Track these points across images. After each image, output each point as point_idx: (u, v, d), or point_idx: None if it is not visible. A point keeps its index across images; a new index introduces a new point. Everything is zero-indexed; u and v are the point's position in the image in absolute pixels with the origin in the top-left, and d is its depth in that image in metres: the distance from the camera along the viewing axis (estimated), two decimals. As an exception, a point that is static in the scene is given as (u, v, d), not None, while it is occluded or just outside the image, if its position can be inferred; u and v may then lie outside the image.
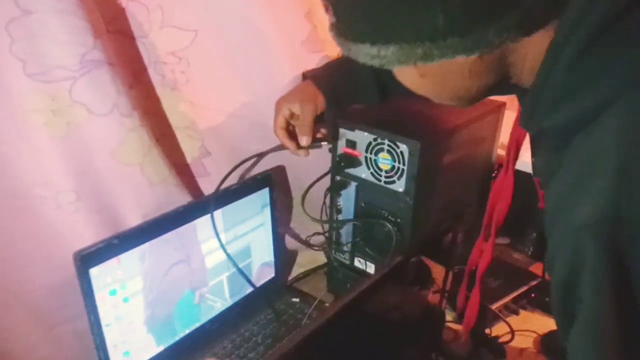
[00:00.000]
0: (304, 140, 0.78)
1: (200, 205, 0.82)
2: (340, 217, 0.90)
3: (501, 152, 1.00)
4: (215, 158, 0.93)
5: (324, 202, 0.91)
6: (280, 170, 0.98)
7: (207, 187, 0.94)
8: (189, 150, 0.91)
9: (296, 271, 1.07)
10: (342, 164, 0.84)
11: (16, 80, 0.64)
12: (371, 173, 0.81)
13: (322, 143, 0.82)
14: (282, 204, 1.00)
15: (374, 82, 0.78)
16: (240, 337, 0.89)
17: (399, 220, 0.81)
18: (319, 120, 0.80)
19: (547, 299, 0.94)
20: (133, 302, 0.74)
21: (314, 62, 0.87)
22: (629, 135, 0.38)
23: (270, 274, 1.00)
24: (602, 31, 0.38)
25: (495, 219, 0.74)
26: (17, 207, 0.70)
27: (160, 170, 0.81)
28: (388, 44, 0.41)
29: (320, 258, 1.05)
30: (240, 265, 0.89)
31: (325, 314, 0.59)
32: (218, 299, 0.89)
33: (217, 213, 0.83)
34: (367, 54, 0.43)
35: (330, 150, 0.85)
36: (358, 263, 0.91)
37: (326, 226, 0.94)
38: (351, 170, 0.84)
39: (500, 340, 0.87)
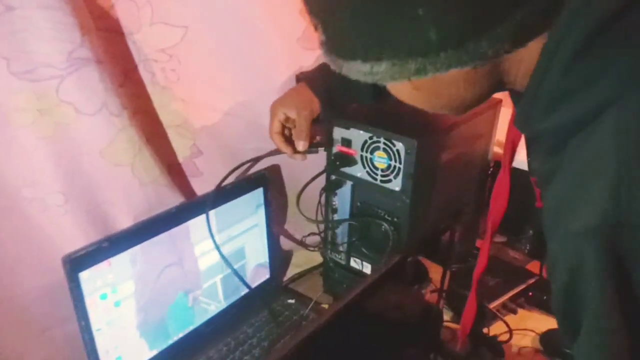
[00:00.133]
0: (301, 145, 0.78)
1: (193, 206, 0.81)
2: (336, 216, 0.89)
3: (497, 149, 1.00)
4: (208, 157, 0.91)
5: (320, 202, 0.90)
6: (274, 170, 0.97)
7: (200, 187, 0.93)
8: (181, 149, 0.90)
9: (291, 272, 1.06)
10: (338, 162, 0.83)
11: (0, 78, 0.62)
12: (367, 172, 0.81)
13: (319, 148, 0.81)
14: (276, 203, 0.99)
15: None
16: (235, 340, 0.87)
17: (395, 219, 0.81)
18: (314, 122, 0.79)
19: (545, 297, 0.94)
20: (125, 306, 0.73)
21: (309, 59, 0.86)
22: (629, 137, 0.37)
23: (265, 275, 0.99)
24: (600, 31, 0.37)
25: (491, 222, 0.74)
26: (3, 209, 0.68)
27: (151, 170, 0.80)
28: (380, 60, 0.41)
29: (316, 258, 1.04)
30: (235, 267, 0.88)
31: (323, 315, 0.59)
32: (212, 302, 0.88)
33: (211, 214, 0.82)
34: (359, 71, 0.43)
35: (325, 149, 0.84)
36: (354, 263, 0.91)
37: (322, 226, 0.93)
38: (347, 169, 0.83)
39: (499, 339, 0.87)
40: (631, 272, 0.37)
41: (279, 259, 1.03)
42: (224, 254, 0.84)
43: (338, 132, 0.82)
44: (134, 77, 0.79)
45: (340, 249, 0.91)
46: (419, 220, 0.81)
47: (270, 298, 0.96)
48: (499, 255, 1.06)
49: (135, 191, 0.79)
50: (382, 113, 0.83)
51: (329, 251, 0.93)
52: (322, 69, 0.81)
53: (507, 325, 0.89)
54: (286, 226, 1.06)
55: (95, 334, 0.70)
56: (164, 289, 0.79)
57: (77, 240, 0.71)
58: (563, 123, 0.41)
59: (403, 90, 0.47)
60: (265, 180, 0.92)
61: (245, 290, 0.93)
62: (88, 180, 0.74)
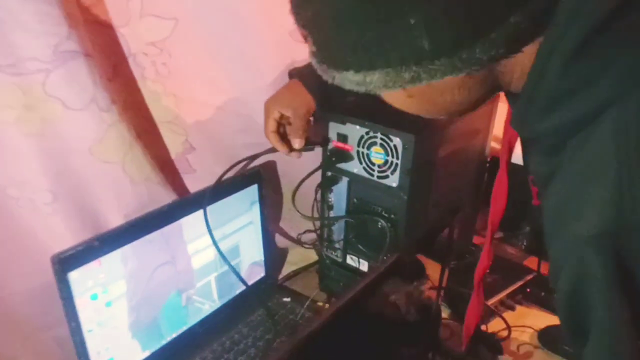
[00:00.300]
0: (297, 144, 0.77)
1: (186, 203, 0.80)
2: (332, 213, 0.88)
3: (495, 144, 0.99)
4: (200, 153, 0.90)
5: (315, 198, 0.89)
6: (269, 166, 0.96)
7: (193, 184, 0.92)
8: (173, 145, 0.88)
9: (287, 270, 1.05)
10: (334, 158, 0.82)
11: (-18, 73, 0.60)
12: (363, 168, 0.79)
13: (315, 146, 0.80)
14: (272, 200, 0.98)
15: None
16: (230, 339, 0.86)
17: (392, 216, 0.80)
18: (310, 119, 0.78)
19: (543, 293, 0.94)
20: (116, 307, 0.71)
21: (302, 52, 0.83)
22: (629, 137, 0.37)
23: (260, 273, 0.98)
24: (599, 31, 0.37)
25: (491, 222, 0.73)
26: (-11, 208, 0.66)
27: (142, 167, 0.78)
28: (373, 70, 0.40)
29: (312, 256, 1.03)
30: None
31: (322, 315, 0.58)
32: (206, 301, 0.87)
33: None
34: (352, 81, 0.42)
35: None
36: (351, 260, 0.89)
37: (317, 223, 0.92)
38: (343, 165, 0.82)
39: (497, 336, 0.86)
40: (635, 272, 0.37)
41: (274, 256, 1.02)
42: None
43: (334, 128, 0.80)
44: (124, 71, 0.77)
45: (337, 246, 0.90)
46: (417, 217, 0.80)
47: (265, 296, 0.95)
48: (496, 252, 1.05)
49: (126, 189, 0.77)
50: (378, 108, 0.82)
51: (325, 249, 0.92)
52: None
53: (506, 322, 0.88)
54: (281, 223, 1.05)
55: (86, 335, 0.68)
56: (157, 289, 0.77)
57: (66, 239, 0.70)
58: (563, 123, 0.41)
59: (397, 97, 0.47)
60: (259, 177, 0.91)
61: (240, 289, 0.91)
62: (77, 178, 0.72)
